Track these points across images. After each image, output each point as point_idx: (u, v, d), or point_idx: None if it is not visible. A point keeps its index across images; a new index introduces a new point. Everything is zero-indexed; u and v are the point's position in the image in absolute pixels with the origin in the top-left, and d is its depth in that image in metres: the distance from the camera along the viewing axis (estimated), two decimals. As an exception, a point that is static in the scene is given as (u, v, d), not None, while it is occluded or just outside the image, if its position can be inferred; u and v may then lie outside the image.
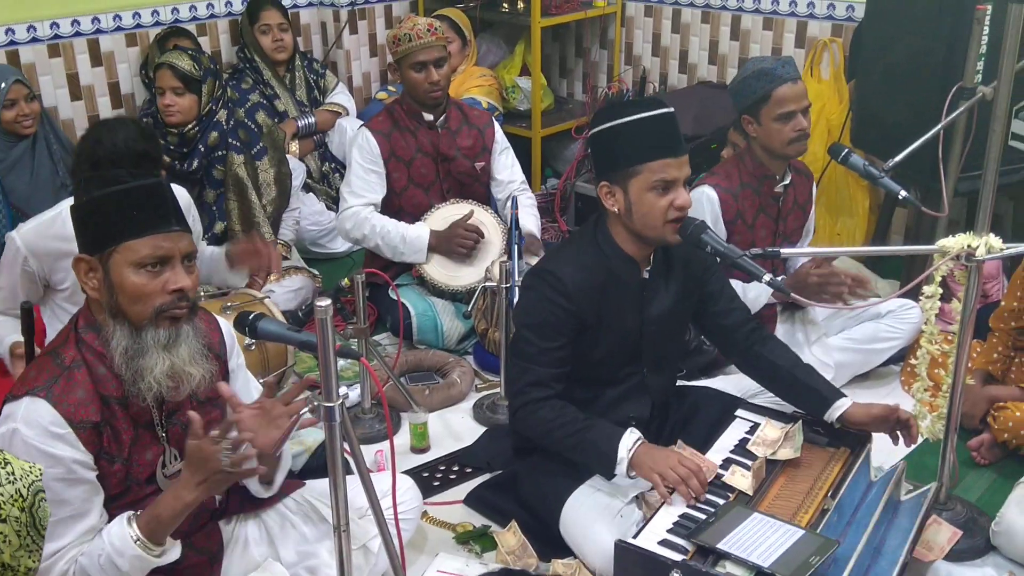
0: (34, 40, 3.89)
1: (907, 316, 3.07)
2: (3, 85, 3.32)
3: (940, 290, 2.23)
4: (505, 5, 4.66)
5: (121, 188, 1.78)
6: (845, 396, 2.37)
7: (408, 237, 3.36)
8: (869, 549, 2.05)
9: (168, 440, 1.94)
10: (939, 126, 2.73)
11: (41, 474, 1.26)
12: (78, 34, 4.00)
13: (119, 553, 1.78)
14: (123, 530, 1.80)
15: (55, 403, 1.76)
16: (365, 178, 3.39)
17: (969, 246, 2.15)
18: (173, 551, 1.85)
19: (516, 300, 2.60)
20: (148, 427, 1.90)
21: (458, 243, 3.35)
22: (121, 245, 1.77)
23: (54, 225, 2.52)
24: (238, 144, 3.42)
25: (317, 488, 2.18)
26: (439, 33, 3.33)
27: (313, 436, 2.64)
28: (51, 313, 2.65)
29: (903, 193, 2.49)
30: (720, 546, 1.94)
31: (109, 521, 1.85)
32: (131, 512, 1.83)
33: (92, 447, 1.80)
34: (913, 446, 2.39)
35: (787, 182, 3.03)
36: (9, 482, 1.21)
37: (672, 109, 2.25)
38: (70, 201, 2.56)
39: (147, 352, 1.80)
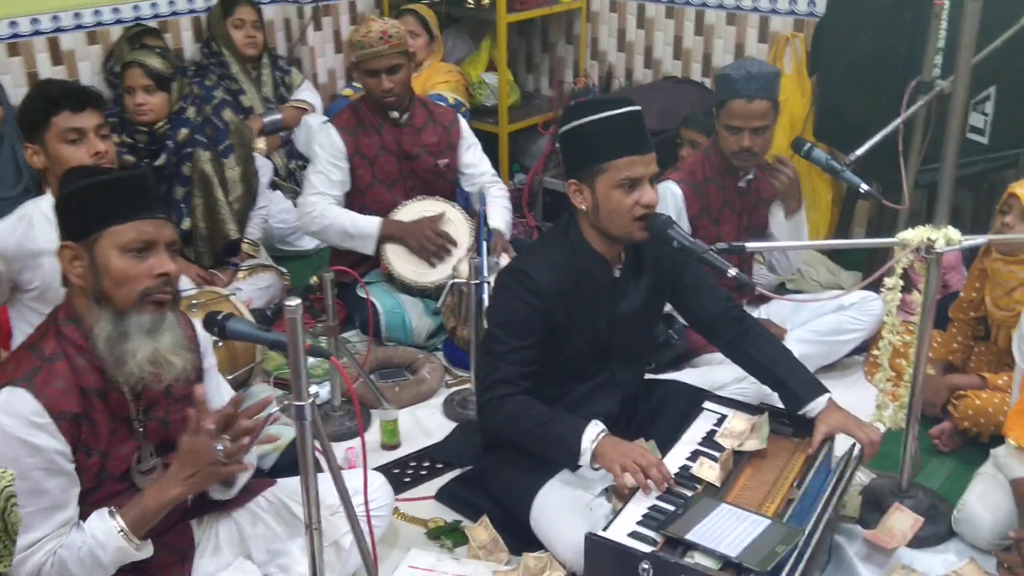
0: (-8, 38, 3.83)
1: (870, 308, 3.12)
2: None
3: (901, 282, 2.27)
4: (471, 1, 4.66)
5: (106, 177, 1.83)
6: (823, 395, 2.37)
7: (357, 224, 3.36)
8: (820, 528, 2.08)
9: (145, 435, 1.94)
10: (899, 120, 2.77)
11: (13, 479, 1.26)
12: (38, 32, 3.95)
13: (101, 546, 1.80)
14: (106, 523, 1.82)
15: (36, 393, 1.77)
16: (325, 173, 3.38)
17: (929, 238, 2.19)
18: (147, 547, 1.88)
19: (489, 297, 2.61)
20: (125, 421, 1.91)
21: (424, 243, 3.35)
22: (107, 230, 1.80)
23: (20, 226, 2.50)
24: (205, 141, 3.40)
25: (288, 486, 2.18)
26: (393, 40, 3.28)
27: (283, 434, 2.63)
28: (18, 313, 2.62)
29: (864, 186, 2.52)
30: (689, 537, 1.97)
31: (82, 516, 1.85)
32: (110, 507, 1.85)
33: (71, 438, 1.81)
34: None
35: (751, 176, 3.07)
36: None
37: (639, 107, 2.26)
38: (35, 202, 2.55)
39: (131, 336, 1.82)
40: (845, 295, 3.07)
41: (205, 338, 2.07)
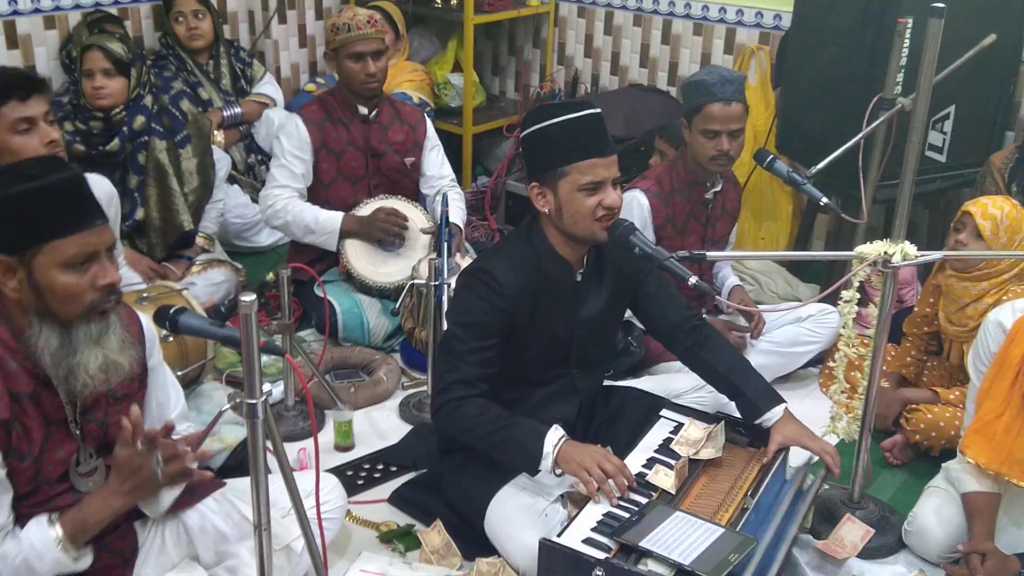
0: (-55, 19, 3.73)
1: (826, 320, 3.15)
2: None
3: (858, 295, 2.29)
4: (438, 1, 4.64)
5: (37, 184, 1.69)
6: (778, 404, 2.39)
7: (320, 218, 3.33)
8: (776, 540, 2.09)
9: (83, 438, 1.88)
10: (859, 135, 2.80)
11: None
12: (-7, 15, 3.85)
13: (39, 556, 1.74)
14: (44, 533, 1.76)
15: None
16: (288, 166, 3.34)
17: (886, 253, 2.21)
18: (86, 557, 1.82)
19: (450, 298, 2.58)
20: (61, 424, 1.84)
21: (379, 227, 3.32)
22: (46, 245, 1.70)
23: None
24: (161, 130, 3.33)
25: (238, 487, 2.13)
26: (379, 26, 3.31)
27: (233, 434, 2.58)
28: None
29: (824, 200, 2.54)
30: (643, 544, 1.96)
31: (17, 521, 1.79)
32: (50, 514, 1.79)
33: (2, 446, 1.73)
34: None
35: (718, 189, 3.08)
36: None
37: (599, 110, 2.26)
38: None
39: (79, 349, 1.76)
40: (802, 307, 3.10)
41: (151, 333, 2.02)
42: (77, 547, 1.78)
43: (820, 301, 2.83)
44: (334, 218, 3.33)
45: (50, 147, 2.39)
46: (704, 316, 2.75)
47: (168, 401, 2.08)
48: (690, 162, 3.02)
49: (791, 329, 3.16)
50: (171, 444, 1.85)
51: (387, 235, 3.33)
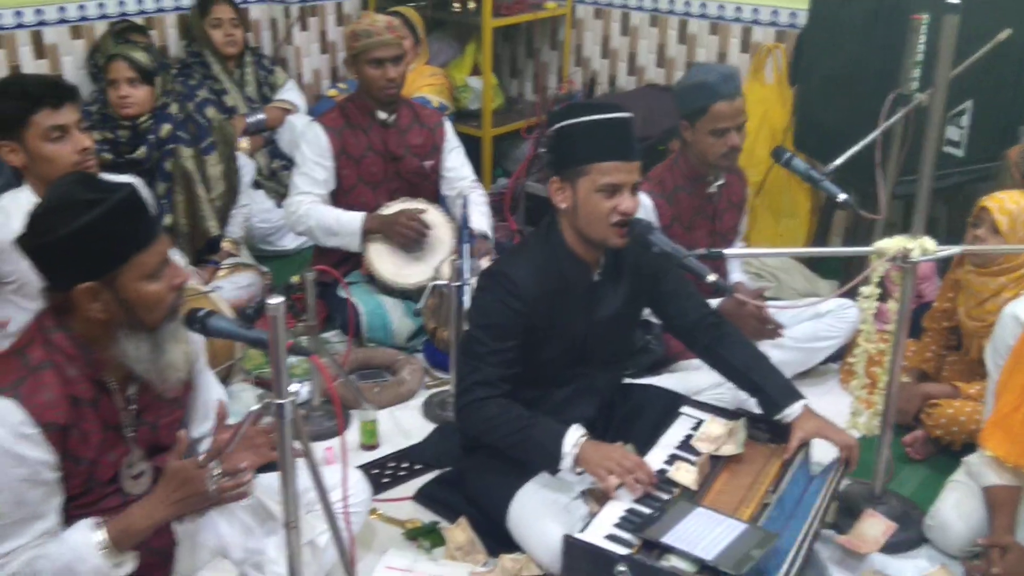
0: (-25, 31, 3.81)
1: (846, 315, 3.15)
2: None
3: (878, 290, 2.30)
4: (456, 5, 4.67)
5: (105, 209, 1.71)
6: (798, 400, 2.40)
7: (342, 219, 3.37)
8: (797, 534, 2.11)
9: (136, 440, 1.92)
10: (877, 131, 2.80)
11: None
12: (20, 26, 3.93)
13: (80, 559, 1.78)
14: (87, 537, 1.79)
15: (23, 403, 1.73)
16: (310, 173, 3.39)
17: (905, 248, 2.22)
18: (128, 564, 1.85)
19: (470, 300, 2.61)
20: (116, 428, 1.89)
21: (399, 229, 3.35)
22: (128, 263, 1.75)
23: None
24: (187, 138, 3.39)
25: (264, 483, 2.17)
26: (398, 31, 3.34)
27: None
28: (-2, 306, 2.60)
29: (842, 196, 2.56)
30: (665, 540, 1.99)
31: (66, 521, 1.83)
32: (96, 519, 1.82)
33: (57, 448, 1.78)
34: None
35: (721, 182, 3.10)
36: None
37: (631, 115, 2.29)
38: (13, 195, 2.51)
39: (165, 348, 1.83)
40: (821, 302, 3.10)
41: (196, 335, 2.04)
42: (119, 553, 1.81)
43: (839, 296, 2.83)
44: (355, 218, 3.37)
45: (83, 155, 2.41)
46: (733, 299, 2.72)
47: (211, 401, 2.13)
48: (691, 159, 3.04)
49: (810, 325, 3.16)
50: (233, 461, 1.89)
51: (406, 238, 3.37)
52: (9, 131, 2.40)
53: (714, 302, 2.94)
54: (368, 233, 3.38)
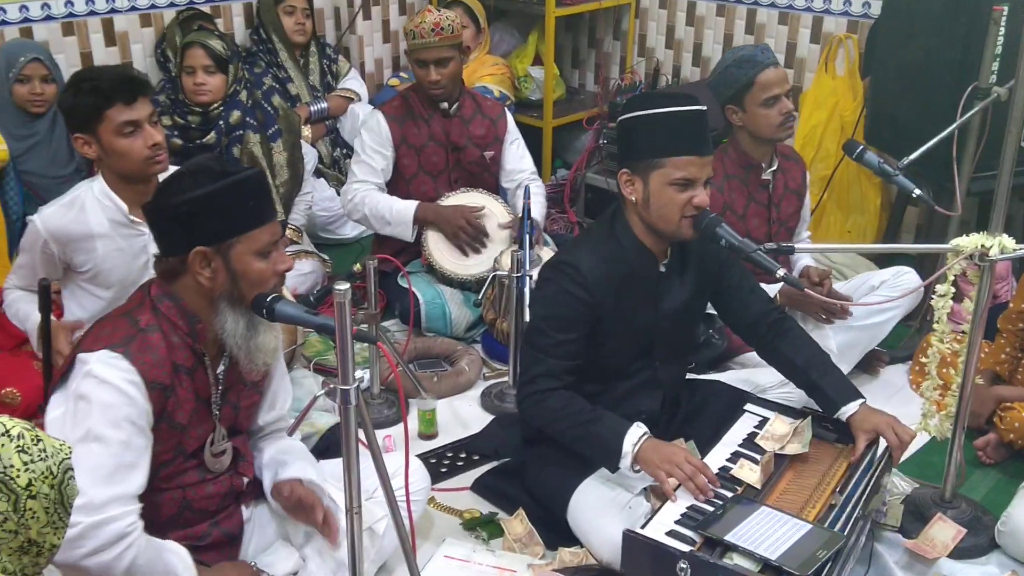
0: (48, 18, 3.88)
1: (901, 282, 3.05)
2: (21, 59, 3.32)
3: (952, 289, 2.24)
4: (519, -6, 4.65)
5: (233, 180, 1.83)
6: (855, 400, 2.34)
7: (395, 208, 3.37)
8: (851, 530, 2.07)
9: (220, 418, 1.99)
10: (953, 125, 2.73)
11: (71, 452, 1.28)
12: (92, 13, 4.00)
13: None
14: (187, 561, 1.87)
15: (132, 359, 1.81)
16: (368, 162, 3.40)
17: (983, 246, 2.15)
18: None
19: (533, 290, 2.60)
20: (206, 402, 1.96)
21: (458, 232, 3.35)
22: (244, 235, 1.84)
23: (72, 209, 2.50)
24: (255, 124, 3.43)
25: (326, 468, 2.20)
26: (444, 33, 3.29)
27: (324, 420, 2.65)
28: (70, 294, 2.65)
29: (917, 191, 2.49)
30: (728, 538, 1.95)
31: (149, 494, 1.88)
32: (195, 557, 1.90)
33: (157, 408, 1.85)
34: (915, 447, 2.38)
35: (774, 168, 3.03)
36: (41, 459, 1.22)
37: (705, 107, 2.23)
38: (87, 184, 2.56)
39: (260, 332, 1.91)
40: (896, 300, 2.99)
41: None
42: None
43: (911, 292, 2.77)
44: (408, 208, 3.37)
45: (153, 150, 2.44)
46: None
47: (281, 392, 2.19)
48: (742, 146, 2.98)
49: (866, 300, 3.06)
50: (311, 494, 2.02)
51: (463, 244, 3.37)
52: (83, 125, 2.44)
53: (774, 288, 2.89)
54: (420, 223, 3.38)
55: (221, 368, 1.97)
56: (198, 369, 1.92)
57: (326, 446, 2.57)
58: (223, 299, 1.88)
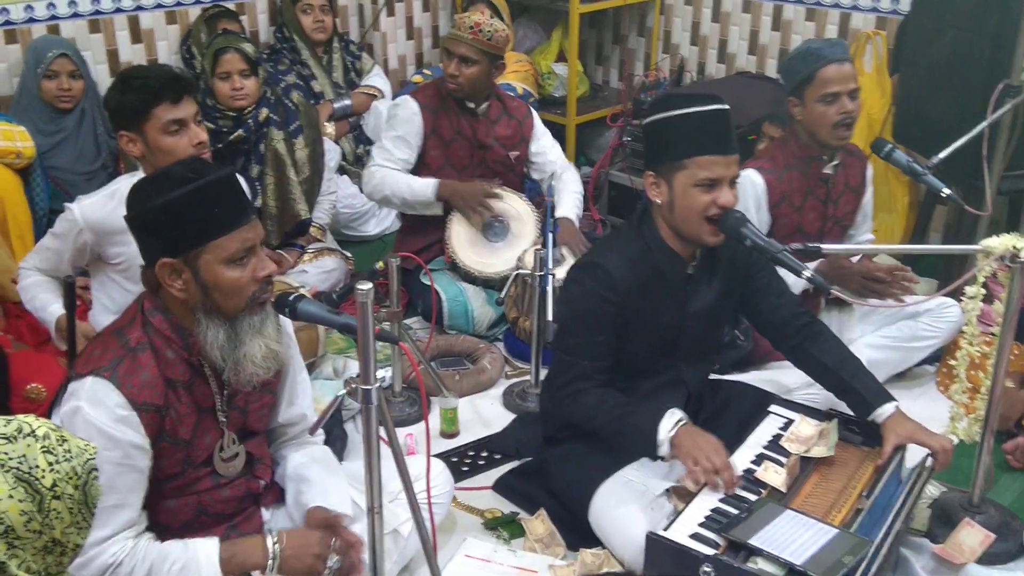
0: (75, 15, 3.91)
1: (946, 315, 3.01)
2: (49, 55, 3.34)
3: (983, 291, 2.20)
4: (543, -10, 4.64)
5: (196, 187, 1.75)
6: (890, 402, 2.32)
7: (413, 187, 3.38)
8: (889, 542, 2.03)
9: (227, 424, 1.96)
10: (984, 123, 2.69)
11: (95, 453, 1.28)
12: (119, 10, 4.02)
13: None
14: (215, 555, 1.85)
15: (119, 384, 1.77)
16: (393, 149, 3.40)
17: (1014, 247, 2.12)
18: None
19: (560, 291, 2.58)
20: (209, 411, 1.93)
21: (465, 207, 3.35)
22: (209, 244, 1.77)
23: (112, 201, 2.51)
24: (278, 120, 3.44)
25: (348, 470, 2.19)
26: (480, 36, 3.29)
27: (327, 397, 2.64)
28: (100, 284, 2.66)
29: (946, 191, 2.45)
30: (752, 542, 1.93)
31: (160, 500, 1.87)
32: (222, 539, 1.89)
33: (152, 430, 1.81)
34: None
35: (836, 163, 2.96)
36: (66, 460, 1.23)
37: (727, 106, 2.21)
38: (128, 178, 2.57)
39: (244, 340, 1.84)
40: (922, 302, 2.96)
41: (287, 323, 2.06)
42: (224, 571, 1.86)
43: (943, 296, 2.72)
44: (427, 184, 3.37)
45: (198, 148, 2.44)
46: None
47: (299, 387, 2.14)
48: (802, 137, 2.89)
49: (908, 324, 3.03)
50: (352, 534, 1.95)
51: (474, 212, 3.35)
52: (130, 122, 2.44)
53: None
54: (442, 199, 3.37)
55: (226, 374, 1.90)
56: (196, 381, 1.87)
57: (328, 426, 2.53)
58: (199, 310, 1.82)
